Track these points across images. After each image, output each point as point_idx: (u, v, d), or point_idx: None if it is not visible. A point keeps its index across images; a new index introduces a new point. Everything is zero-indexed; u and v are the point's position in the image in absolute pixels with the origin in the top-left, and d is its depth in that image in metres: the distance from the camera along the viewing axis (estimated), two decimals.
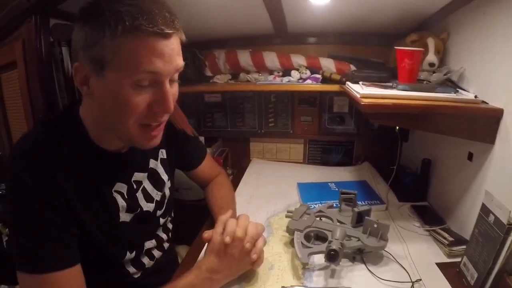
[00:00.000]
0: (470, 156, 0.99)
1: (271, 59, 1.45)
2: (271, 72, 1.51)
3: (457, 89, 0.99)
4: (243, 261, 0.82)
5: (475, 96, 0.91)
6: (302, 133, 1.70)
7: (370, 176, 1.50)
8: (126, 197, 0.81)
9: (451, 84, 1.05)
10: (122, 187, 0.80)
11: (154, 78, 0.63)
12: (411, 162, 1.44)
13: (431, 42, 1.12)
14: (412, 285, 0.81)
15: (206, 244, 0.85)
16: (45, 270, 0.63)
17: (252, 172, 1.57)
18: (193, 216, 1.14)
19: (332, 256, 0.82)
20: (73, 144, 0.71)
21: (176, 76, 0.69)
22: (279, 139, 1.74)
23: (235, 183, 1.45)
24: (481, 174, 0.94)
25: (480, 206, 0.83)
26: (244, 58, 1.46)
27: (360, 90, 0.97)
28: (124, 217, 0.81)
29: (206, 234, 0.85)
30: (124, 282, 0.85)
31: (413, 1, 1.10)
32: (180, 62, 0.66)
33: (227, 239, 0.79)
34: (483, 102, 0.91)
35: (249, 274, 0.86)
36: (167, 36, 0.61)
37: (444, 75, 1.06)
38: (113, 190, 0.78)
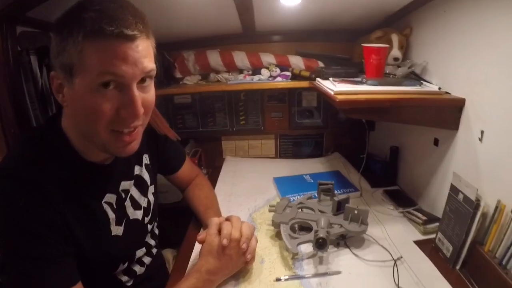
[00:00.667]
0: (436, 142, 1.08)
1: (241, 58, 1.47)
2: (241, 71, 1.53)
3: (422, 81, 1.07)
4: (239, 261, 0.85)
5: (439, 88, 0.99)
6: (273, 129, 1.74)
7: (342, 166, 1.58)
8: (115, 207, 0.80)
9: (415, 77, 1.13)
10: (111, 197, 0.80)
11: (119, 82, 0.62)
12: (379, 150, 1.52)
13: (395, 38, 1.20)
14: (395, 263, 0.88)
15: (200, 246, 0.87)
16: None
17: (227, 171, 1.59)
18: (173, 218, 1.14)
19: (320, 244, 0.87)
20: (59, 159, 0.69)
21: (148, 80, 0.67)
22: (250, 136, 1.77)
23: (212, 182, 1.44)
24: (447, 158, 1.03)
25: (448, 187, 0.92)
26: (214, 58, 1.47)
27: (333, 87, 1.02)
28: (116, 230, 0.79)
29: (201, 236, 0.86)
30: None
31: (378, 0, 1.16)
32: (148, 65, 0.64)
33: (225, 241, 0.81)
34: (446, 93, 0.99)
35: (243, 270, 0.88)
36: (129, 38, 0.60)
37: (408, 68, 1.14)
38: (103, 202, 0.77)
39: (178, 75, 1.53)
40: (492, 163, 0.84)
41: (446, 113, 0.97)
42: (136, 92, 0.63)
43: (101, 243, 0.75)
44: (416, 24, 1.21)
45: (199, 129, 1.74)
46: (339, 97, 0.94)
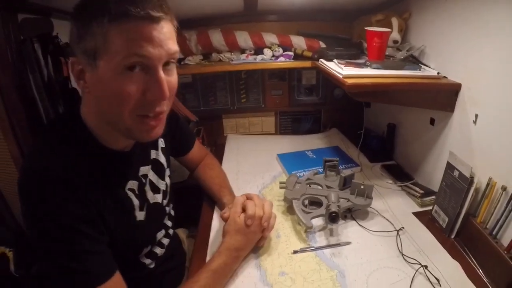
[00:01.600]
0: (432, 121, 1.17)
1: (243, 38, 1.49)
2: (243, 51, 1.56)
3: (420, 65, 1.14)
4: (259, 235, 0.93)
5: (438, 73, 1.06)
6: (273, 106, 1.80)
7: (340, 141, 1.66)
8: (137, 193, 0.82)
9: (414, 60, 1.19)
10: (133, 184, 0.82)
11: (145, 63, 0.62)
12: (376, 126, 1.60)
13: (395, 22, 1.25)
14: (397, 233, 0.99)
15: (222, 223, 0.95)
16: (95, 283, 0.64)
17: (231, 148, 1.65)
18: (179, 198, 1.16)
19: (333, 218, 0.96)
20: (83, 150, 0.70)
21: (172, 63, 0.68)
22: (251, 113, 1.82)
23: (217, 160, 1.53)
24: (442, 137, 1.12)
25: (444, 163, 1.01)
26: (217, 38, 1.49)
27: (340, 70, 1.07)
28: (139, 215, 0.82)
29: (226, 214, 0.94)
30: (140, 273, 0.87)
31: None
32: (172, 47, 0.64)
33: (249, 221, 0.89)
34: (444, 77, 1.06)
35: (261, 245, 0.96)
36: (155, 20, 0.60)
37: (407, 51, 1.20)
38: (126, 189, 0.79)
39: (180, 55, 1.54)
40: (485, 144, 0.93)
41: (444, 96, 1.05)
42: (162, 74, 0.64)
43: (128, 229, 0.78)
44: (415, 8, 1.26)
45: (200, 108, 1.77)
46: (349, 81, 1.00)
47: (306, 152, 1.54)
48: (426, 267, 0.84)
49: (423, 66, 1.13)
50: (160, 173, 0.94)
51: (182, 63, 1.56)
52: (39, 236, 0.63)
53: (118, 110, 0.64)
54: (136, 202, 0.81)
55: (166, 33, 0.62)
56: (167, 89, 0.65)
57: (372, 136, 1.55)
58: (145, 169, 0.88)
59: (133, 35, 0.59)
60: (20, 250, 1.14)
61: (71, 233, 0.63)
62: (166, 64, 0.65)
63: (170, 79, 0.67)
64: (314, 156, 1.49)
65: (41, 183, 0.62)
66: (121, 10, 0.57)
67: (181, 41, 1.50)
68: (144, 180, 0.87)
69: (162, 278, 0.95)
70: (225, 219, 0.94)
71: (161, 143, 0.98)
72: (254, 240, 0.92)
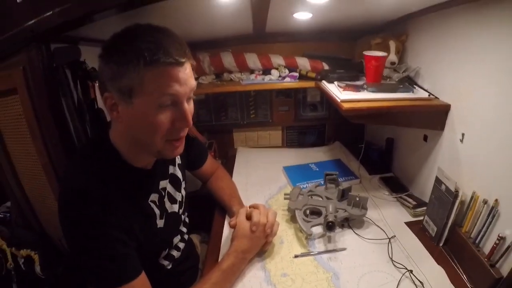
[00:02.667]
0: (425, 138, 1.26)
1: (252, 60, 1.62)
2: (252, 71, 1.68)
3: (414, 86, 1.24)
4: (263, 240, 1.04)
5: (429, 94, 1.16)
6: (280, 121, 1.92)
7: (342, 155, 1.76)
8: (158, 204, 0.93)
9: (409, 81, 1.30)
10: (155, 196, 0.93)
11: (174, 100, 0.73)
12: (377, 139, 1.70)
13: (392, 45, 1.35)
14: (389, 241, 1.08)
15: (231, 230, 1.07)
16: (126, 280, 0.75)
17: (240, 161, 1.76)
18: (193, 206, 1.23)
19: (330, 226, 1.07)
20: (115, 169, 0.82)
21: (191, 94, 0.79)
22: (260, 127, 1.94)
23: (228, 173, 1.62)
24: (434, 153, 1.22)
25: (434, 178, 1.10)
26: (228, 60, 1.62)
27: (339, 94, 1.18)
28: (160, 223, 0.94)
29: (233, 222, 1.06)
30: (159, 274, 0.98)
31: (380, 11, 1.29)
32: (193, 82, 0.77)
33: (254, 228, 1.01)
34: (435, 97, 1.15)
35: (267, 250, 1.08)
36: (181, 64, 0.71)
37: (403, 72, 1.30)
38: (149, 201, 0.91)
39: (193, 62, 1.65)
40: (470, 161, 1.02)
41: (434, 116, 1.14)
42: (187, 106, 0.76)
43: (150, 235, 0.89)
44: (412, 31, 1.36)
45: (212, 123, 1.90)
46: (345, 105, 1.11)
47: (310, 165, 1.64)
48: (411, 271, 0.93)
49: (416, 88, 1.23)
50: (176, 185, 1.05)
51: (196, 82, 1.67)
52: (80, 241, 0.75)
53: (151, 137, 0.77)
54: (157, 211, 0.93)
55: (188, 73, 0.75)
56: (191, 118, 0.77)
57: (373, 149, 1.65)
58: (164, 183, 0.99)
59: (165, 78, 0.71)
60: (45, 252, 1.25)
61: (106, 239, 0.75)
62: (188, 97, 0.78)
63: (190, 107, 0.79)
64: (317, 169, 1.59)
65: (82, 200, 0.74)
66: (154, 58, 0.68)
67: (195, 62, 1.62)
68: (163, 193, 0.98)
69: (178, 278, 1.06)
70: (232, 226, 1.06)
71: (178, 159, 1.10)
72: (259, 245, 1.04)
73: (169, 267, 1.01)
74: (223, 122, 1.91)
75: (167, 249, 1.00)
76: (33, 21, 0.93)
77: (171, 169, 1.05)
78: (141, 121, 0.75)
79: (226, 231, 1.19)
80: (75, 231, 0.75)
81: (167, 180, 1.02)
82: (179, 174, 1.08)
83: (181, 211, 1.07)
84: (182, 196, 1.08)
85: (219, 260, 1.01)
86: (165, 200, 0.99)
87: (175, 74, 0.71)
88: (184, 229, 1.12)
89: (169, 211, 0.99)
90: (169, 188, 1.02)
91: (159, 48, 0.69)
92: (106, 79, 0.74)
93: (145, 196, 0.91)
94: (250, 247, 1.01)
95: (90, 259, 0.75)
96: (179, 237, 1.06)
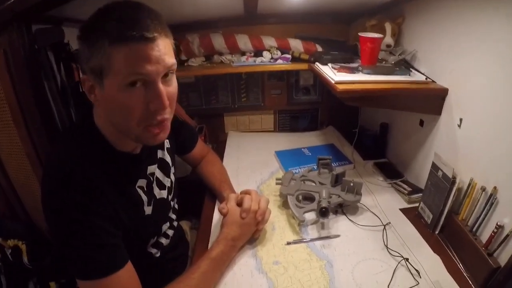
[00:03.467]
0: (421, 123, 1.23)
1: (243, 41, 1.56)
2: (243, 53, 1.62)
3: (411, 69, 1.20)
4: (254, 228, 1.01)
5: (426, 78, 1.12)
6: (272, 105, 1.87)
7: (336, 139, 1.73)
8: (146, 190, 0.90)
9: (405, 64, 1.26)
10: (142, 182, 0.89)
11: (145, 80, 0.68)
12: (371, 124, 1.67)
13: (388, 27, 1.31)
14: (384, 227, 1.06)
15: (220, 215, 1.04)
16: (112, 271, 0.71)
17: (231, 145, 1.72)
18: (182, 192, 1.21)
19: (323, 212, 1.04)
20: (100, 154, 0.78)
21: (170, 74, 0.73)
22: (251, 111, 1.89)
23: (219, 157, 1.60)
24: (430, 138, 1.19)
25: (430, 164, 1.07)
26: (218, 41, 1.55)
27: (333, 76, 1.14)
28: (147, 210, 0.90)
29: (225, 209, 1.02)
30: (147, 262, 0.95)
31: None
32: (169, 61, 0.70)
33: (244, 214, 0.98)
34: (432, 81, 1.12)
35: (258, 236, 1.05)
36: (150, 40, 0.65)
37: (399, 55, 1.26)
38: (136, 187, 0.87)
39: (183, 57, 1.60)
40: (468, 147, 0.99)
41: (431, 100, 1.11)
42: (161, 87, 0.70)
43: (137, 223, 0.85)
44: (408, 14, 1.31)
45: (203, 107, 1.84)
46: (340, 86, 1.06)
47: (302, 149, 1.61)
48: (407, 259, 0.91)
49: (413, 71, 1.19)
50: (165, 171, 1.02)
51: (185, 64, 1.62)
52: (64, 230, 0.71)
53: (125, 122, 0.73)
54: (145, 198, 0.89)
55: (161, 49, 0.68)
56: (167, 99, 0.72)
57: (367, 134, 1.62)
58: (152, 168, 0.95)
59: (131, 55, 0.65)
60: (33, 242, 1.21)
61: (91, 228, 0.71)
62: (165, 76, 0.72)
63: (169, 89, 0.73)
64: (310, 154, 1.56)
65: (65, 187, 0.70)
66: (119, 34, 0.64)
67: (185, 43, 1.57)
68: (152, 178, 0.94)
69: (167, 266, 1.02)
70: (222, 213, 1.02)
71: (167, 143, 1.06)
72: (249, 232, 1.00)
73: (157, 255, 0.98)
74: (214, 105, 1.85)
75: (156, 237, 0.97)
76: (13, 0, 0.87)
77: (159, 154, 1.01)
78: (113, 103, 0.71)
79: (216, 217, 1.16)
80: (58, 220, 0.71)
81: (156, 165, 0.98)
82: (168, 158, 1.04)
83: (170, 197, 1.04)
84: (171, 181, 1.05)
85: (209, 247, 0.98)
86: (153, 186, 0.95)
87: (144, 51, 0.66)
88: (174, 216, 1.09)
89: (157, 197, 0.96)
90: (158, 174, 0.98)
91: (125, 23, 0.64)
92: (82, 61, 0.71)
93: (132, 182, 0.87)
94: (240, 234, 0.97)
95: (74, 249, 0.71)
96: (168, 224, 1.03)
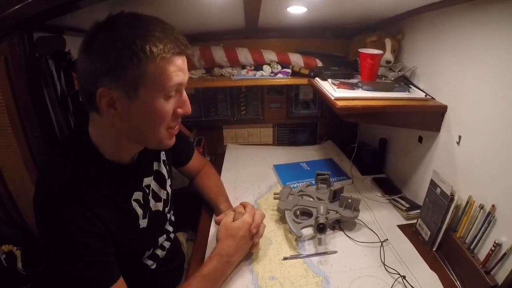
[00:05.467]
0: (420, 139, 1.23)
1: (244, 55, 1.57)
2: (243, 66, 1.64)
3: (410, 85, 1.21)
4: (250, 242, 1.00)
5: (426, 95, 1.13)
6: (272, 119, 1.87)
7: (334, 154, 1.73)
8: (142, 202, 0.89)
9: (404, 80, 1.26)
10: (138, 194, 0.89)
11: (179, 88, 0.75)
12: (369, 139, 1.67)
13: (388, 43, 1.32)
14: (382, 244, 1.05)
15: (216, 227, 1.03)
16: None
17: (230, 158, 1.71)
18: (179, 203, 1.20)
19: (321, 229, 1.03)
20: (93, 167, 0.77)
21: None
22: (250, 124, 1.89)
23: (216, 169, 1.57)
24: (429, 155, 1.19)
25: (429, 180, 1.07)
26: (219, 54, 1.56)
27: (333, 92, 1.14)
28: (143, 223, 0.89)
29: (218, 218, 1.03)
30: (142, 274, 0.94)
31: (376, 8, 1.26)
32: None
33: (238, 224, 0.98)
34: (432, 98, 1.12)
35: (255, 251, 1.04)
36: (184, 53, 0.73)
37: (399, 71, 1.27)
38: (132, 200, 0.86)
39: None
40: (467, 164, 0.99)
41: (430, 117, 1.11)
42: (185, 93, 0.78)
43: (132, 237, 0.85)
44: (408, 30, 1.33)
45: (202, 118, 1.84)
46: (339, 103, 1.07)
47: (301, 163, 1.61)
48: (404, 277, 0.90)
49: (412, 88, 1.20)
50: (161, 183, 1.01)
51: None
52: (52, 246, 0.71)
53: (155, 128, 0.76)
54: (140, 211, 0.88)
55: (186, 61, 0.75)
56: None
57: (365, 149, 1.62)
58: (148, 180, 0.94)
59: (172, 68, 0.70)
60: (28, 248, 1.19)
61: (80, 246, 0.70)
62: None
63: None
64: (308, 168, 1.56)
65: (56, 202, 0.70)
66: (160, 50, 0.67)
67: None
68: (147, 190, 0.93)
69: (163, 278, 1.01)
70: (218, 224, 1.02)
71: (163, 155, 1.05)
72: (245, 247, 0.99)
73: (153, 267, 0.96)
74: (213, 118, 1.85)
75: (152, 249, 0.96)
76: (15, 8, 0.88)
77: (155, 166, 1.00)
78: (147, 112, 0.73)
79: (213, 229, 1.15)
80: (49, 238, 0.72)
81: (152, 177, 0.97)
82: (164, 171, 1.03)
83: (166, 209, 1.03)
84: (167, 193, 1.03)
85: (205, 260, 0.97)
86: (149, 198, 0.94)
87: (179, 63, 0.72)
88: (170, 228, 1.08)
89: (153, 210, 0.95)
90: (154, 186, 0.97)
91: (163, 39, 0.68)
92: (100, 74, 0.68)
93: (127, 195, 0.86)
94: (235, 250, 0.96)
95: (64, 267, 0.71)
96: (164, 236, 1.02)
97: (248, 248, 1.00)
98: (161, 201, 0.99)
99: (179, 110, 0.78)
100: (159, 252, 0.99)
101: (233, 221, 1.01)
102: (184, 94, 0.78)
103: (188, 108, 0.79)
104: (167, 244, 1.04)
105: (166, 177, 1.04)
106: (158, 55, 0.67)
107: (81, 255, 0.71)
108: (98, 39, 0.68)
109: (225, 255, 0.93)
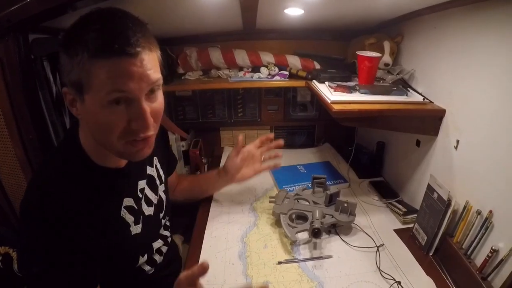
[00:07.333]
0: (418, 143, 1.22)
1: (241, 57, 1.56)
2: (240, 68, 1.62)
3: (408, 89, 1.19)
4: None
5: (424, 98, 1.12)
6: (269, 121, 1.87)
7: (332, 157, 1.72)
8: (136, 207, 0.86)
9: (403, 83, 1.25)
10: (129, 201, 0.85)
11: (127, 97, 0.64)
12: (367, 142, 1.66)
13: (387, 45, 1.31)
14: (378, 249, 1.04)
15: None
16: None
17: None
18: (174, 205, 1.18)
19: (316, 233, 1.02)
20: (82, 172, 0.75)
21: (156, 89, 0.69)
22: (247, 126, 1.88)
23: None
24: (426, 159, 1.18)
25: (426, 185, 1.06)
26: (216, 56, 1.55)
27: (329, 95, 1.14)
28: (135, 229, 0.86)
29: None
30: (140, 279, 0.92)
31: (375, 10, 1.25)
32: (154, 76, 0.65)
33: None
34: (430, 101, 1.11)
35: (249, 254, 1.03)
36: (132, 55, 0.61)
37: (397, 74, 1.26)
38: (122, 207, 0.82)
39: (181, 70, 1.60)
40: (464, 169, 0.98)
41: (428, 121, 1.10)
42: (145, 105, 0.66)
43: (123, 244, 0.83)
44: (407, 33, 1.32)
45: (199, 120, 1.83)
46: (336, 106, 1.06)
47: (297, 166, 1.60)
48: (399, 283, 0.89)
49: (410, 91, 1.18)
50: (153, 188, 0.98)
51: (182, 78, 1.62)
52: (30, 253, 0.69)
53: (106, 137, 0.68)
54: (131, 219, 0.85)
55: (146, 65, 0.63)
56: (150, 117, 0.67)
57: (363, 152, 1.61)
58: (142, 183, 0.92)
59: (113, 71, 0.61)
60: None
61: (63, 264, 0.69)
62: (149, 92, 0.67)
63: (154, 105, 0.69)
64: (305, 171, 1.55)
65: (42, 212, 0.68)
66: (99, 47, 0.59)
67: (182, 57, 1.57)
68: (141, 195, 0.91)
69: (161, 283, 0.99)
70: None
71: (155, 161, 1.02)
72: None
73: (150, 272, 0.95)
74: (210, 119, 1.84)
75: (146, 255, 0.93)
76: (10, 9, 0.87)
77: (149, 170, 0.97)
78: (94, 119, 0.67)
79: (208, 233, 1.15)
80: (31, 248, 0.70)
81: (145, 181, 0.94)
82: (156, 176, 1.01)
83: (161, 215, 1.01)
84: (160, 199, 1.01)
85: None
86: (142, 202, 0.91)
87: (125, 67, 0.61)
88: (167, 233, 1.06)
89: (146, 214, 0.92)
90: (147, 190, 0.95)
91: (105, 36, 0.60)
92: (63, 74, 0.66)
93: (117, 202, 0.83)
94: None
95: (38, 264, 0.69)
96: (160, 241, 1.00)
97: None
98: (152, 206, 0.96)
99: (133, 124, 0.67)
100: (157, 257, 0.98)
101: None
102: (141, 105, 0.65)
103: (143, 123, 0.67)
104: (164, 249, 1.02)
105: (158, 183, 1.01)
106: (96, 57, 0.60)
107: (59, 255, 0.69)
108: (63, 37, 0.65)
109: None
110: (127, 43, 0.60)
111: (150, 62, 0.65)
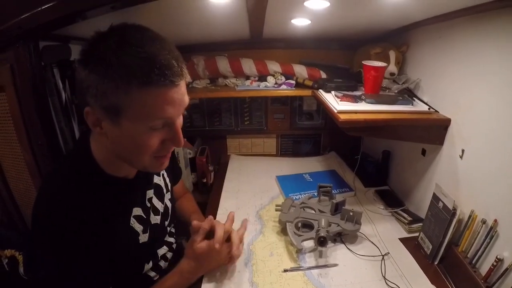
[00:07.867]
0: (423, 152, 1.23)
1: (248, 66, 1.58)
2: (247, 77, 1.65)
3: (414, 98, 1.20)
4: (218, 262, 0.98)
5: (429, 108, 1.12)
6: (275, 129, 1.88)
7: (338, 165, 1.73)
8: (144, 216, 0.89)
9: (408, 93, 1.26)
10: (138, 210, 0.88)
11: (166, 122, 0.68)
12: (372, 151, 1.67)
13: (392, 55, 1.32)
14: (383, 258, 1.04)
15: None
16: None
17: (233, 169, 1.72)
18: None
19: (322, 242, 1.03)
20: (93, 182, 0.77)
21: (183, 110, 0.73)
22: (254, 135, 1.91)
23: (218, 180, 1.61)
24: (432, 168, 1.18)
25: (431, 194, 1.07)
26: (223, 65, 1.58)
27: (336, 105, 1.15)
28: (143, 238, 0.88)
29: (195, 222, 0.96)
30: (146, 285, 0.92)
31: (380, 20, 1.26)
32: (187, 100, 0.70)
33: (217, 245, 0.91)
34: (435, 111, 1.12)
35: (255, 262, 1.04)
36: (178, 85, 0.65)
37: (403, 83, 1.27)
38: (132, 216, 0.85)
39: (188, 79, 1.62)
40: (469, 179, 0.99)
41: (433, 130, 1.11)
42: (178, 126, 0.70)
43: (131, 252, 0.86)
44: (413, 42, 1.33)
45: (206, 128, 1.86)
46: (342, 116, 1.07)
47: (303, 175, 1.61)
48: None
49: (416, 100, 1.19)
50: (160, 196, 0.99)
51: (190, 86, 1.64)
52: (39, 258, 0.73)
53: (138, 156, 0.72)
54: (139, 228, 0.87)
55: (183, 91, 0.68)
56: (182, 136, 0.72)
57: (369, 161, 1.62)
58: (150, 193, 0.95)
59: (158, 101, 0.64)
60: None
61: (73, 255, 0.71)
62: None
63: (180, 121, 0.73)
64: (311, 180, 1.55)
65: (53, 219, 0.71)
66: (147, 80, 0.60)
67: (190, 65, 1.60)
68: (149, 204, 0.93)
69: None
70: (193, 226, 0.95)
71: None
72: (209, 267, 0.97)
73: (155, 278, 0.96)
74: (217, 127, 1.87)
75: (151, 261, 0.95)
76: (21, 17, 0.89)
77: (155, 179, 1.00)
78: (129, 142, 0.69)
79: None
80: (43, 256, 0.73)
81: (152, 190, 0.97)
82: (162, 184, 1.03)
83: (166, 222, 1.03)
84: (166, 207, 1.02)
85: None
86: (150, 211, 0.94)
87: (169, 95, 0.64)
88: (172, 240, 1.07)
89: (152, 223, 0.94)
90: (154, 199, 0.97)
91: (153, 66, 0.60)
92: (87, 93, 0.64)
93: (127, 212, 0.85)
94: (196, 269, 0.94)
95: (50, 271, 0.73)
96: (165, 248, 1.02)
97: (213, 267, 0.99)
98: (159, 215, 0.98)
99: (169, 143, 0.72)
100: (162, 263, 0.99)
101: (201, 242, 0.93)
102: (176, 128, 0.70)
103: (178, 142, 0.71)
104: (169, 255, 1.04)
105: (164, 191, 1.03)
106: (143, 87, 0.61)
107: (70, 263, 0.71)
108: (90, 53, 0.64)
109: (186, 272, 0.93)
110: (174, 74, 0.63)
111: (184, 88, 0.69)
